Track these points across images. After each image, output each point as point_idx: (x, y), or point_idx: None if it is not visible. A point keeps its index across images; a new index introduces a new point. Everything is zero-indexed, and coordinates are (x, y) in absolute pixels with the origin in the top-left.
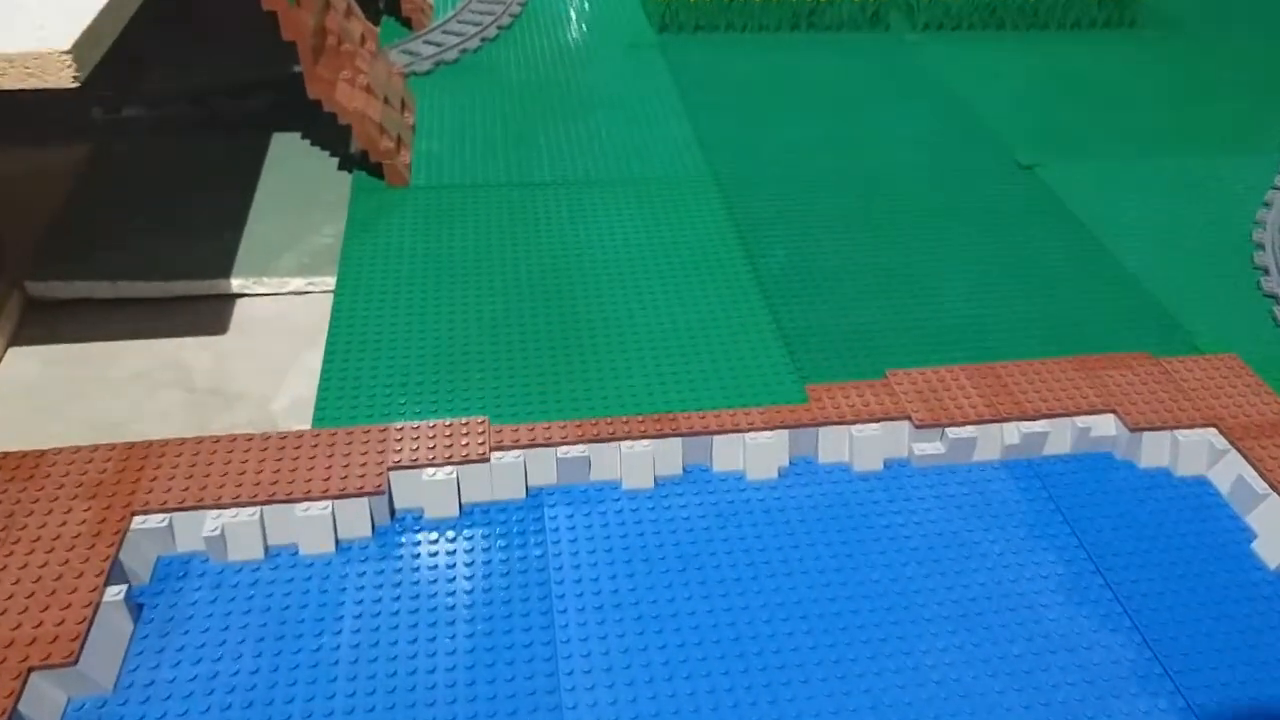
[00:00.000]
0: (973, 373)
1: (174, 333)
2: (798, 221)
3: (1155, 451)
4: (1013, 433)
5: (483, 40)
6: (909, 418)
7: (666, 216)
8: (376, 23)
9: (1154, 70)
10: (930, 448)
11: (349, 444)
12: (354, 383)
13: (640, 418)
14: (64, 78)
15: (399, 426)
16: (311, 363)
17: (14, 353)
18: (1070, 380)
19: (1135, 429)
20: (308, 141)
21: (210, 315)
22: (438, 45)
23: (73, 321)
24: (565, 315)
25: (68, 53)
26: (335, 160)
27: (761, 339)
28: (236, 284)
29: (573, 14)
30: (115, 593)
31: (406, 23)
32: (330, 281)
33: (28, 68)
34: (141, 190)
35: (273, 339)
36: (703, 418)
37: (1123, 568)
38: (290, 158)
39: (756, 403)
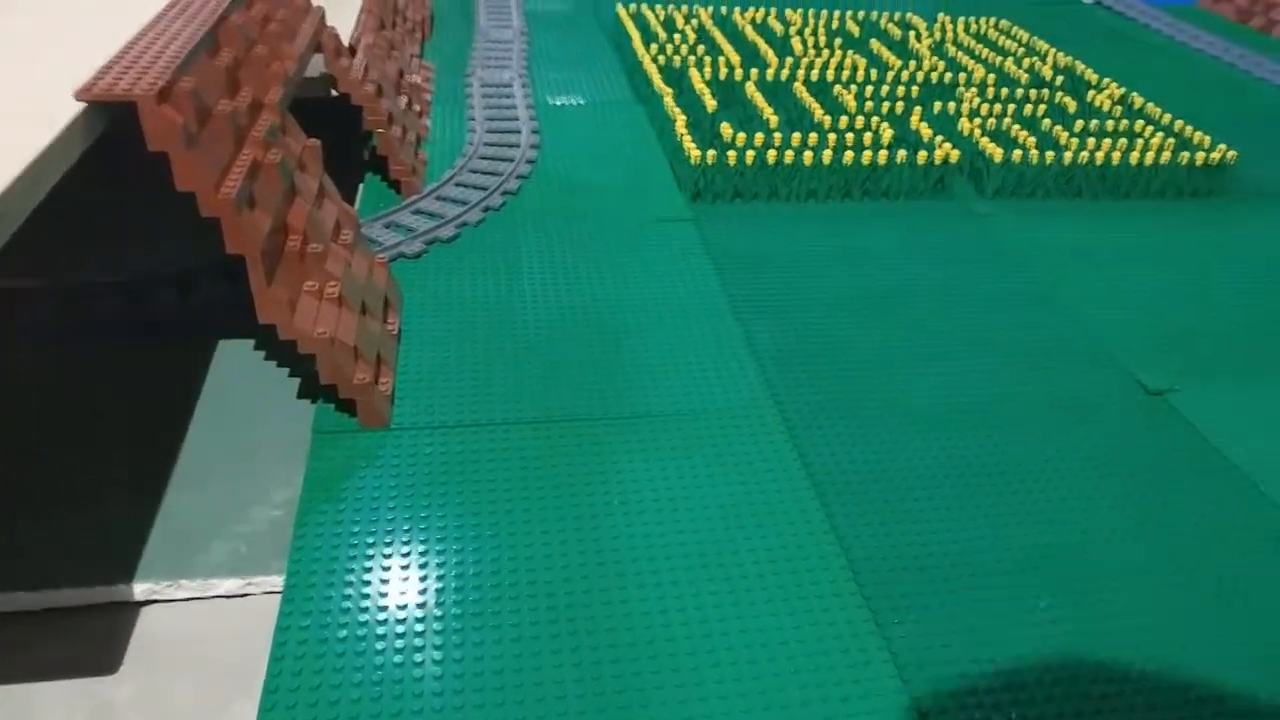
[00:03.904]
0: None
1: (42, 670)
2: (885, 477)
3: None
4: None
5: (485, 210)
6: None
7: (724, 469)
8: (360, 181)
9: (1266, 249)
10: None
11: None
12: None
13: None
14: None
15: None
16: (246, 717)
17: None
18: None
19: None
20: (261, 355)
21: (100, 636)
22: (432, 218)
23: None
24: (599, 641)
25: None
26: (294, 383)
27: (878, 688)
28: (141, 590)
29: (590, 177)
30: None
31: (395, 186)
32: (277, 581)
33: None
34: (36, 435)
35: (189, 678)
36: None
37: None
38: (237, 379)
39: None
